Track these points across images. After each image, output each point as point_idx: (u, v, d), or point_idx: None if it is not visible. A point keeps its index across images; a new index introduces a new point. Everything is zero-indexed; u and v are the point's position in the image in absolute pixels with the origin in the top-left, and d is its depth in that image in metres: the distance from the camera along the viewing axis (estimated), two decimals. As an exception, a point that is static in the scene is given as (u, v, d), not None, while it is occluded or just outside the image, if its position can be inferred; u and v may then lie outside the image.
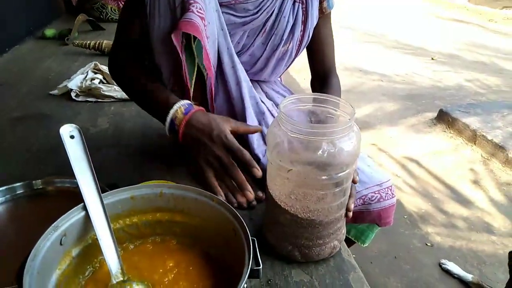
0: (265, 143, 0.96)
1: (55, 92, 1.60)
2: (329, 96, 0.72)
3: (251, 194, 0.69)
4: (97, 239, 0.57)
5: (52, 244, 0.53)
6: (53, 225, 0.54)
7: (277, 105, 1.10)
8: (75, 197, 0.58)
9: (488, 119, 2.89)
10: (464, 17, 7.54)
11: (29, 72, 1.89)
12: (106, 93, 1.56)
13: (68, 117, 1.42)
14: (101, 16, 2.89)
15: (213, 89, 0.91)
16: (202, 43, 0.80)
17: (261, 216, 0.93)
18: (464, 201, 2.23)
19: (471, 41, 5.73)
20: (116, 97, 1.56)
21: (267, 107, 1.04)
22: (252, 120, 0.97)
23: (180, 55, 0.81)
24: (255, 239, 0.57)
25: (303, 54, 1.12)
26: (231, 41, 0.92)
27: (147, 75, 0.90)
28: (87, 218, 0.58)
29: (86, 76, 1.64)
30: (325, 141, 0.64)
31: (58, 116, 1.43)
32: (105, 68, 1.68)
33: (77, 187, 0.57)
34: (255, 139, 0.96)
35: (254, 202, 0.77)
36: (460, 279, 1.69)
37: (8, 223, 0.76)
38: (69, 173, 0.56)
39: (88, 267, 0.61)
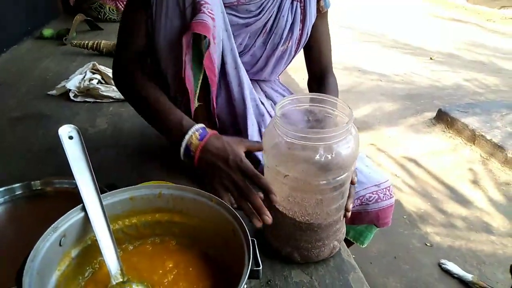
0: None
1: (53, 92, 1.60)
2: (327, 96, 0.71)
3: (269, 218, 0.67)
4: (96, 240, 0.57)
5: (52, 245, 0.53)
6: (52, 226, 0.54)
7: (276, 104, 1.10)
8: (74, 198, 0.58)
9: (487, 118, 2.89)
10: (463, 17, 7.55)
11: (27, 72, 1.89)
12: (104, 93, 1.55)
13: (67, 118, 1.42)
14: (99, 16, 2.88)
15: (215, 90, 0.91)
16: (209, 44, 0.80)
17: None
18: (463, 201, 2.23)
19: (469, 40, 5.74)
20: (114, 97, 1.56)
21: (266, 109, 1.05)
22: (252, 121, 0.97)
23: (184, 56, 0.80)
24: (254, 239, 0.57)
25: (301, 54, 1.12)
26: (234, 42, 0.92)
27: (156, 91, 0.87)
28: (86, 219, 0.57)
29: (84, 77, 1.64)
30: (322, 146, 0.63)
31: (57, 116, 1.43)
32: (103, 68, 1.68)
33: (76, 187, 0.57)
34: (255, 140, 0.96)
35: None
36: (459, 279, 1.69)
37: (7, 224, 0.76)
38: (68, 173, 0.56)
39: (87, 268, 0.61)
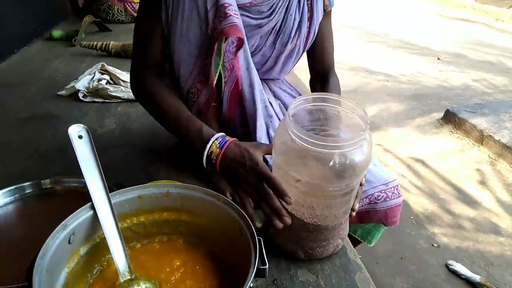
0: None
1: (62, 92, 1.62)
2: (341, 97, 0.70)
3: (288, 219, 0.70)
4: (104, 238, 0.57)
5: (61, 242, 0.54)
6: (61, 224, 0.55)
7: (284, 104, 1.11)
8: (83, 197, 0.59)
9: (495, 119, 2.87)
10: (471, 16, 7.48)
11: (37, 73, 1.91)
12: (113, 93, 1.57)
13: (76, 118, 1.44)
14: (108, 17, 2.91)
15: (239, 87, 0.92)
16: (245, 44, 0.83)
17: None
18: (471, 202, 2.22)
19: (477, 40, 5.69)
20: (123, 97, 1.58)
21: (275, 110, 1.06)
22: (261, 123, 0.98)
23: (213, 59, 0.82)
24: (261, 238, 0.57)
25: (305, 54, 1.13)
26: (247, 44, 0.93)
27: (174, 101, 0.90)
28: (95, 217, 0.58)
29: (93, 77, 1.65)
30: (337, 153, 0.62)
31: (66, 116, 1.45)
32: (112, 69, 1.69)
33: (85, 186, 0.58)
34: (263, 141, 0.96)
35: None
36: (467, 280, 1.68)
37: (17, 222, 0.77)
38: (77, 172, 0.57)
39: (96, 265, 0.62)
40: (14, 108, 1.51)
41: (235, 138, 0.81)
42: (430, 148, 2.74)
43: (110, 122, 1.41)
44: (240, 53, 0.90)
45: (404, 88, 3.80)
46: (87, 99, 1.57)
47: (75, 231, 0.57)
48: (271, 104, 1.06)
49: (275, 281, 0.75)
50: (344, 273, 0.79)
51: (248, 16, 0.92)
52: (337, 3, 1.06)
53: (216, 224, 0.66)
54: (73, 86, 1.61)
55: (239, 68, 0.88)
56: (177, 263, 0.64)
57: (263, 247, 0.57)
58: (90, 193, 0.58)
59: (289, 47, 1.02)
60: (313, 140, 0.60)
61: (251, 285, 0.51)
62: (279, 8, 0.94)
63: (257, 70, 1.01)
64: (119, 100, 1.58)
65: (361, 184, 0.76)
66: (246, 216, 0.61)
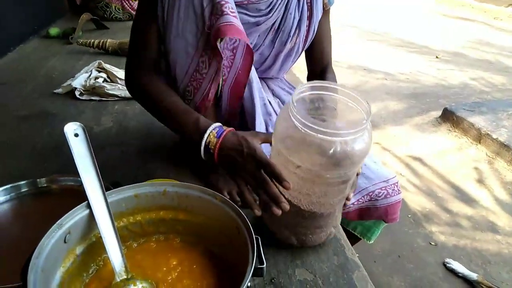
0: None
1: (59, 90, 1.61)
2: (343, 86, 0.70)
3: (287, 205, 0.69)
4: (101, 237, 0.57)
5: (57, 241, 0.53)
6: (57, 222, 0.55)
7: (283, 103, 1.11)
8: (79, 196, 0.59)
9: (493, 117, 2.87)
10: (469, 15, 7.49)
11: (33, 71, 1.90)
12: (110, 91, 1.56)
13: (72, 116, 1.43)
14: (105, 15, 2.89)
15: (241, 84, 0.91)
16: (247, 42, 0.82)
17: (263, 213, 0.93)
18: (468, 200, 2.22)
19: (476, 39, 5.69)
20: (120, 95, 1.57)
21: (274, 108, 1.05)
22: (260, 120, 0.98)
23: (223, 55, 0.81)
24: (258, 237, 0.57)
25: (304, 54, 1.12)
26: None
27: (170, 93, 0.89)
28: (91, 216, 0.58)
29: (90, 75, 1.65)
30: (338, 140, 0.62)
31: (63, 114, 1.44)
32: (109, 67, 1.68)
33: (81, 185, 0.57)
34: (262, 131, 0.96)
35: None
36: (464, 278, 1.68)
37: (13, 221, 0.76)
38: (73, 171, 0.57)
39: (92, 265, 0.61)
40: (11, 106, 1.50)
41: (232, 128, 0.81)
42: (428, 147, 2.74)
43: (107, 120, 1.40)
44: (240, 51, 0.89)
45: (403, 86, 3.80)
46: (84, 97, 1.56)
47: (71, 230, 0.56)
48: (270, 102, 1.05)
49: (273, 280, 0.75)
50: (342, 272, 0.78)
51: (246, 14, 0.91)
52: (336, 2, 1.05)
53: (213, 223, 0.65)
54: (70, 84, 1.60)
55: (247, 68, 0.87)
56: (174, 262, 0.63)
57: (260, 246, 0.57)
58: (86, 191, 0.57)
59: (288, 46, 1.01)
60: (316, 127, 0.60)
61: (249, 284, 0.51)
62: (277, 6, 0.94)
63: (256, 69, 1.01)
64: (116, 98, 1.57)
65: (357, 174, 0.77)
66: (244, 215, 0.61)
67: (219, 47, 0.79)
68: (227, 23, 0.76)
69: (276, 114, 1.04)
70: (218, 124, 0.82)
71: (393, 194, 0.99)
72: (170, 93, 0.89)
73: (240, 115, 1.00)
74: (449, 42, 5.42)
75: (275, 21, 0.97)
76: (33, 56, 2.14)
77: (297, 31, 1.00)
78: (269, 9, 0.93)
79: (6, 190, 0.79)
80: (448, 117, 3.04)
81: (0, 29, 2.11)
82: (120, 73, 1.64)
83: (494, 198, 2.24)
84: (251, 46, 0.99)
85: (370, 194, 0.98)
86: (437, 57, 4.74)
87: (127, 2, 2.89)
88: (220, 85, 0.90)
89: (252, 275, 0.52)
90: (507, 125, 2.76)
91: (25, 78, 1.79)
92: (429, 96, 3.58)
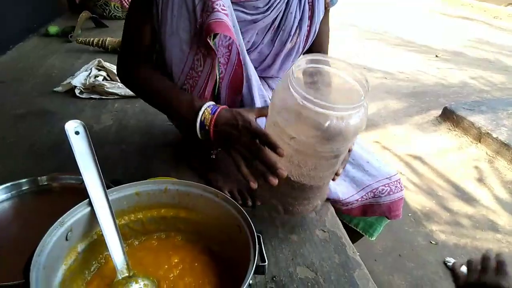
0: None
1: (59, 89, 1.61)
2: (344, 61, 0.70)
3: (284, 172, 0.69)
4: (102, 234, 0.57)
5: (58, 239, 0.53)
6: (58, 220, 0.54)
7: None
8: (80, 194, 0.58)
9: (493, 116, 2.87)
10: (469, 14, 7.48)
11: (33, 69, 1.89)
12: (109, 90, 1.56)
13: (72, 114, 1.42)
14: (104, 14, 2.89)
15: (238, 81, 0.91)
16: (235, 41, 0.82)
17: (264, 211, 0.93)
18: (469, 199, 2.22)
19: (475, 38, 5.69)
20: (119, 94, 1.56)
21: None
22: (260, 118, 0.97)
23: (217, 53, 0.81)
24: (260, 235, 0.57)
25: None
26: (242, 39, 0.92)
27: (162, 78, 0.89)
28: (92, 213, 0.58)
29: (89, 73, 1.64)
30: (334, 115, 0.62)
31: (62, 113, 1.43)
32: (108, 65, 1.68)
33: (82, 183, 0.57)
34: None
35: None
36: (464, 277, 1.68)
37: (14, 219, 0.76)
38: (71, 169, 0.56)
39: (93, 262, 0.61)
40: (10, 104, 1.49)
41: (225, 106, 0.82)
42: (428, 146, 2.74)
43: (107, 118, 1.40)
44: (235, 48, 0.89)
45: (403, 85, 3.80)
46: (84, 96, 1.56)
47: (72, 227, 0.56)
48: (270, 100, 1.05)
49: (274, 278, 0.75)
50: (343, 270, 0.78)
51: (242, 12, 0.91)
52: (339, 2, 1.05)
53: (214, 221, 0.65)
54: (70, 83, 1.59)
55: (239, 64, 0.87)
56: (175, 260, 0.63)
57: (262, 244, 0.57)
58: (88, 189, 0.57)
59: (288, 45, 1.01)
60: (315, 100, 0.60)
61: (250, 282, 0.51)
62: (276, 5, 0.93)
63: (255, 67, 1.00)
64: (116, 97, 1.57)
65: (349, 151, 0.78)
66: (245, 213, 0.61)
67: (210, 43, 0.79)
68: (217, 20, 0.76)
69: None
70: (212, 102, 0.82)
71: (395, 191, 1.00)
72: (162, 78, 0.90)
73: None
74: (449, 41, 5.42)
75: (274, 20, 0.96)
76: (33, 54, 2.13)
77: (297, 31, 1.00)
78: (267, 7, 0.93)
79: (7, 188, 0.79)
80: (448, 116, 3.04)
81: (0, 27, 2.10)
82: (120, 72, 1.64)
83: (494, 197, 2.25)
84: (249, 44, 0.98)
85: (374, 191, 0.99)
86: (436, 56, 4.74)
87: (126, 0, 2.89)
88: (218, 82, 0.90)
89: (254, 273, 0.52)
90: (507, 124, 2.76)
91: (24, 76, 1.79)
92: (429, 95, 3.58)
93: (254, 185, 0.72)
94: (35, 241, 0.50)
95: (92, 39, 2.13)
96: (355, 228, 1.10)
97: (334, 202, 1.00)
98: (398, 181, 1.01)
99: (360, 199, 0.99)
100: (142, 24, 0.88)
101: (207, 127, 0.79)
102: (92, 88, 1.57)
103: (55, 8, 3.05)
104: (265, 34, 0.98)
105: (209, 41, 0.78)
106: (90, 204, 0.58)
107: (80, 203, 0.57)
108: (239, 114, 0.76)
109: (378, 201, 1.00)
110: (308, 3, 0.98)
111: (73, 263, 0.57)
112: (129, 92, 1.56)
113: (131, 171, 1.06)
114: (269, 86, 1.12)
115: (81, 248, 0.58)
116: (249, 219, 0.59)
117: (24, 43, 2.32)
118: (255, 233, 0.57)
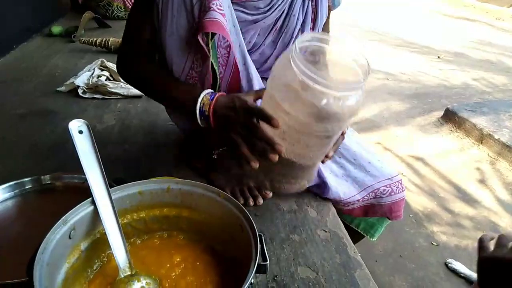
0: None
1: (62, 88, 1.61)
2: (346, 41, 0.69)
3: (282, 147, 0.69)
4: (105, 233, 0.57)
5: (61, 237, 0.54)
6: (62, 219, 0.55)
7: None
8: (83, 193, 0.59)
9: (495, 118, 2.87)
10: (471, 15, 7.48)
11: (36, 69, 1.90)
12: (112, 90, 1.56)
13: (75, 114, 1.43)
14: (107, 14, 2.89)
15: (238, 82, 0.92)
16: (229, 40, 0.82)
17: (266, 210, 0.93)
18: (470, 200, 2.22)
19: (478, 39, 5.69)
20: (122, 94, 1.57)
21: None
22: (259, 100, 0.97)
23: (208, 53, 0.82)
24: (262, 234, 0.57)
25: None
26: (243, 39, 0.92)
27: (159, 69, 0.92)
28: (95, 212, 0.58)
29: (92, 73, 1.65)
30: (332, 94, 0.61)
31: (65, 112, 1.44)
32: (111, 65, 1.69)
33: (85, 182, 0.57)
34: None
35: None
36: (466, 278, 1.68)
37: (18, 217, 0.77)
38: (75, 168, 0.57)
39: (96, 261, 0.62)
40: (13, 104, 1.50)
41: (224, 92, 0.83)
42: (430, 147, 2.74)
43: (110, 118, 1.41)
44: (236, 48, 0.89)
45: (405, 86, 3.80)
46: (87, 95, 1.57)
47: (75, 226, 0.56)
48: None
49: (276, 278, 0.75)
50: (345, 270, 0.79)
51: (243, 12, 0.91)
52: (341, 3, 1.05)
53: (216, 220, 0.65)
54: (73, 82, 1.60)
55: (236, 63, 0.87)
56: (178, 259, 0.64)
57: (264, 243, 0.57)
58: (91, 188, 0.58)
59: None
60: (315, 76, 0.59)
61: (252, 281, 0.51)
62: (278, 6, 0.94)
63: (257, 69, 1.00)
64: (118, 97, 1.57)
65: (342, 134, 0.78)
66: (247, 212, 0.61)
67: (201, 42, 0.79)
68: (211, 19, 0.77)
69: None
70: (210, 90, 0.84)
71: (397, 192, 1.01)
72: (161, 70, 0.91)
73: None
74: (451, 42, 5.41)
75: (276, 21, 0.97)
76: (36, 54, 2.14)
77: (300, 34, 1.00)
78: (268, 7, 0.93)
79: (11, 186, 0.80)
80: (450, 117, 3.04)
81: (3, 27, 2.11)
82: (123, 72, 1.65)
83: (496, 198, 2.24)
84: (250, 45, 0.99)
85: (375, 191, 1.00)
86: (439, 57, 4.74)
87: (128, 1, 2.90)
88: (218, 83, 0.90)
89: (255, 272, 0.52)
90: (509, 126, 2.76)
91: (28, 76, 1.80)
92: (431, 96, 3.57)
93: (255, 164, 0.72)
94: (38, 239, 0.51)
95: (95, 39, 2.13)
96: (356, 228, 1.10)
97: (336, 202, 1.00)
98: (400, 181, 1.02)
99: (361, 200, 1.00)
100: (142, 23, 0.89)
101: (206, 113, 0.80)
102: (95, 88, 1.58)
103: (58, 8, 3.06)
104: (267, 36, 0.99)
105: (200, 39, 0.79)
106: (93, 203, 0.58)
107: (83, 202, 0.58)
108: (236, 97, 0.77)
109: (380, 201, 1.01)
110: (312, 6, 0.98)
111: (76, 261, 0.57)
112: (131, 92, 1.56)
113: (133, 170, 1.07)
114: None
115: (84, 247, 0.59)
116: (251, 218, 0.60)
117: (27, 43, 2.33)
118: (257, 233, 0.57)
